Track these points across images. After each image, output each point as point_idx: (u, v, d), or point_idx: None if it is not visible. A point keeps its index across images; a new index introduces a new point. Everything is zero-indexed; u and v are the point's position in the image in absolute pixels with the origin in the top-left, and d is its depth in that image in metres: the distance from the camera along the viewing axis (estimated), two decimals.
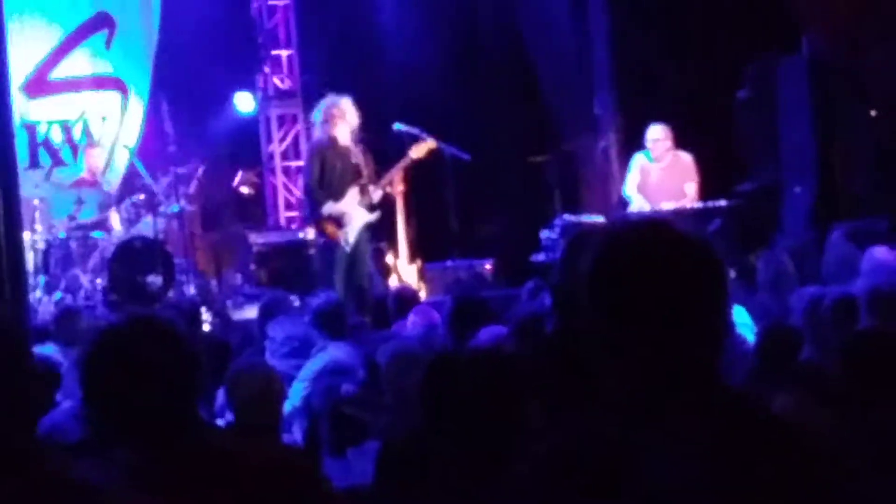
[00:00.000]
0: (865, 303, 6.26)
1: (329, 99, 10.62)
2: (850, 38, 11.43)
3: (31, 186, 11.57)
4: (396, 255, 12.64)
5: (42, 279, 11.51)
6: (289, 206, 14.77)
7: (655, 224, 2.19)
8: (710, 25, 12.09)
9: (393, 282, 12.13)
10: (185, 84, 13.01)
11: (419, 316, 7.71)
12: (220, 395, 5.93)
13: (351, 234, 10.51)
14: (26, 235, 10.07)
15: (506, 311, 7.48)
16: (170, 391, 2.82)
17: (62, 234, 11.79)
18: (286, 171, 14.84)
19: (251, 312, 10.30)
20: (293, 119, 14.85)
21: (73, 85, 13.24)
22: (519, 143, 13.29)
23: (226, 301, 12.08)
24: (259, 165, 14.79)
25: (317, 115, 10.64)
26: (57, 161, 13.06)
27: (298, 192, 14.09)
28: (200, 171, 12.50)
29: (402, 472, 3.77)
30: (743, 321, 6.96)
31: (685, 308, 2.11)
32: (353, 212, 10.55)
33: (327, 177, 10.52)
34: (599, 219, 11.17)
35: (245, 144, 14.62)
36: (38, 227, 11.67)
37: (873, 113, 11.33)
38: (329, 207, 10.51)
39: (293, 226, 14.33)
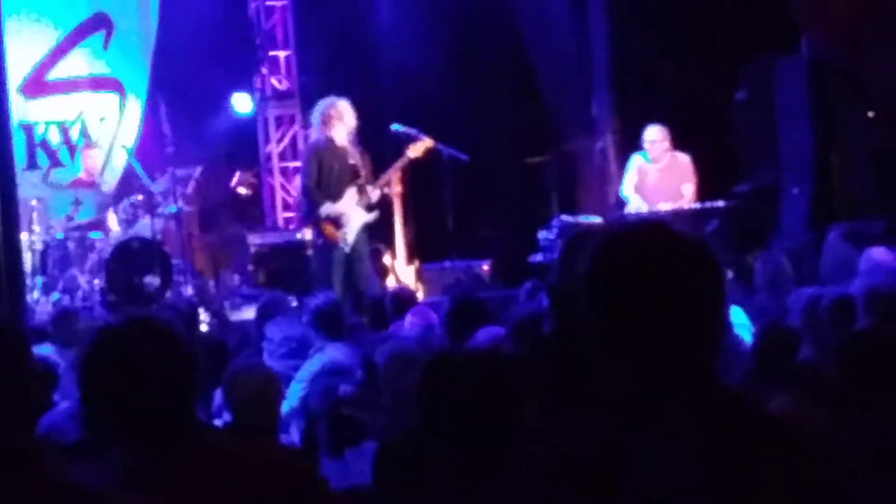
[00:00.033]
0: (863, 303, 6.27)
1: (327, 100, 10.66)
2: (849, 38, 11.41)
3: (28, 187, 11.57)
4: (394, 256, 12.64)
5: (40, 280, 11.50)
6: (286, 207, 14.76)
7: (653, 225, 2.19)
8: (709, 25, 12.07)
9: (391, 282, 12.12)
10: (183, 85, 12.98)
11: (417, 316, 7.71)
12: (218, 396, 5.92)
13: (349, 234, 10.52)
14: (24, 236, 10.03)
15: (503, 312, 7.47)
16: (167, 392, 2.82)
17: (60, 235, 11.77)
18: (284, 171, 14.83)
19: (249, 313, 10.30)
20: (291, 120, 14.84)
21: (71, 86, 13.21)
22: (517, 143, 13.27)
23: (223, 302, 12.07)
24: (257, 166, 14.79)
25: (314, 116, 10.66)
26: (55, 162, 13.05)
27: (296, 193, 14.09)
28: (198, 171, 12.49)
29: (400, 472, 3.77)
30: (740, 322, 6.96)
31: (683, 309, 2.11)
32: (352, 212, 10.56)
33: (325, 178, 10.54)
34: (597, 220, 11.18)
35: (243, 145, 14.61)
36: (36, 227, 11.64)
37: (870, 114, 11.31)
38: (327, 208, 10.52)
39: (291, 226, 14.32)
